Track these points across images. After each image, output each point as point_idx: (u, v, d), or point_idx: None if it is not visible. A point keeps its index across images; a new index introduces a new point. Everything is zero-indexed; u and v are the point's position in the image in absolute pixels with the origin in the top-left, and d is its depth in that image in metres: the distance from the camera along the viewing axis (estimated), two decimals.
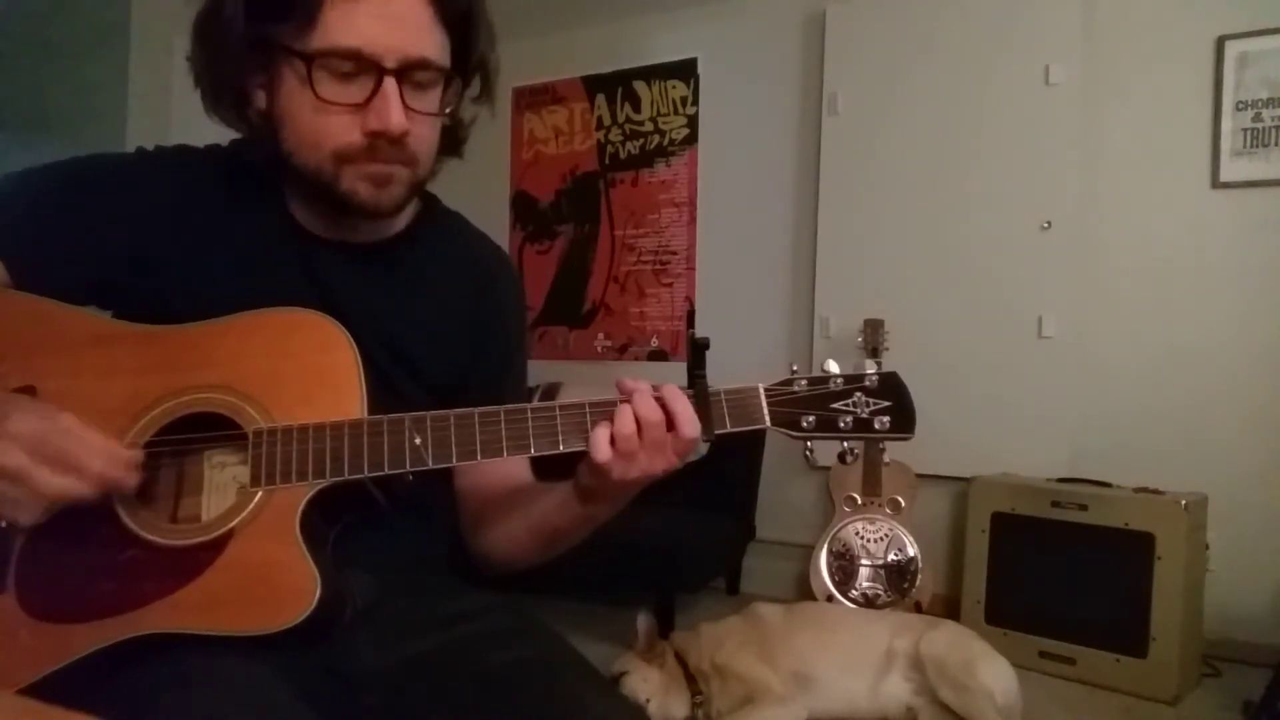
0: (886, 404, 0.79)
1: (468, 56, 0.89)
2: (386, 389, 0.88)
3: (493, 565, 0.98)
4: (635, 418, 0.76)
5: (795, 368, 0.82)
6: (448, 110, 0.89)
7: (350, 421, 0.78)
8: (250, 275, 0.88)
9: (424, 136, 0.85)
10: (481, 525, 0.98)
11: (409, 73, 0.81)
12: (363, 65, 0.79)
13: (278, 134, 0.84)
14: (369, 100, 0.80)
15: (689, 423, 0.77)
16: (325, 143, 0.82)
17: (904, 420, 0.79)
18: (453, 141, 0.95)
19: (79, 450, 0.71)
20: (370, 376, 0.82)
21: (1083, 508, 2.38)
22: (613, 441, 0.76)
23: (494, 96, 0.95)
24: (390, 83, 0.80)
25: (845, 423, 0.79)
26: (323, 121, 0.81)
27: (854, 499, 2.83)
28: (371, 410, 0.79)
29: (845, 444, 0.82)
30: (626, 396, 0.78)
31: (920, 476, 2.81)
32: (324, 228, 0.92)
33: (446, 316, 0.97)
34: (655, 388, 0.79)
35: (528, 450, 0.78)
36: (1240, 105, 2.56)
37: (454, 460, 0.78)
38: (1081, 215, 2.72)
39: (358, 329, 0.85)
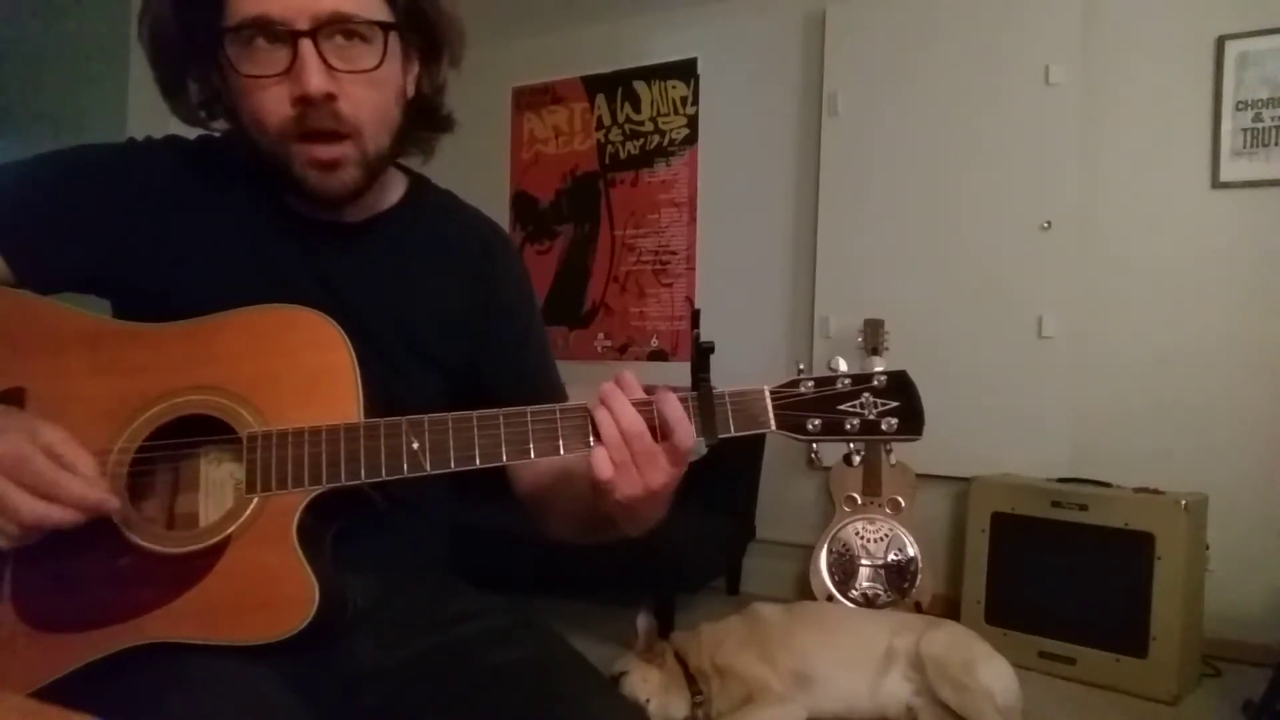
0: (894, 405, 0.76)
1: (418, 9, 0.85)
2: (391, 369, 0.88)
3: (556, 541, 0.98)
4: (619, 429, 0.74)
5: (802, 367, 0.80)
6: (381, 65, 0.81)
7: (346, 426, 0.76)
8: (245, 257, 0.88)
9: (361, 99, 0.81)
10: (538, 508, 0.98)
11: (326, 31, 0.77)
12: (276, 33, 0.77)
13: (244, 128, 0.83)
14: (291, 68, 0.77)
15: (685, 433, 0.74)
16: (265, 121, 0.80)
17: (912, 421, 0.76)
18: (426, 111, 0.92)
19: (58, 475, 0.70)
20: (375, 357, 0.81)
21: (1083, 508, 2.38)
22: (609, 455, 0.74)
23: (453, 53, 0.90)
24: (305, 44, 0.76)
25: (852, 425, 0.76)
26: (257, 100, 0.79)
27: (854, 499, 2.83)
28: (371, 397, 0.78)
29: (851, 446, 0.80)
30: (606, 404, 0.75)
31: (920, 476, 2.81)
32: (314, 208, 0.90)
33: (446, 291, 0.95)
34: (649, 394, 0.76)
35: (528, 455, 0.76)
36: (1240, 105, 2.56)
37: (452, 465, 0.76)
38: (1081, 215, 2.71)
39: (354, 306, 0.83)
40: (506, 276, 1.01)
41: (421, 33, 0.87)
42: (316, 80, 0.77)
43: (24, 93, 3.32)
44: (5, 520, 0.70)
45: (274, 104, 0.79)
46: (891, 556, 2.75)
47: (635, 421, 0.74)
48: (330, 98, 0.78)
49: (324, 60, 0.77)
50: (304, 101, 0.78)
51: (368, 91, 0.81)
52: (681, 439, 0.74)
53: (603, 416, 0.74)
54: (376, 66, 0.81)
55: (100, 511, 0.72)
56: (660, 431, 0.75)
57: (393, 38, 0.82)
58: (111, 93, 3.08)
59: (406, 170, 1.00)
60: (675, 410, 0.74)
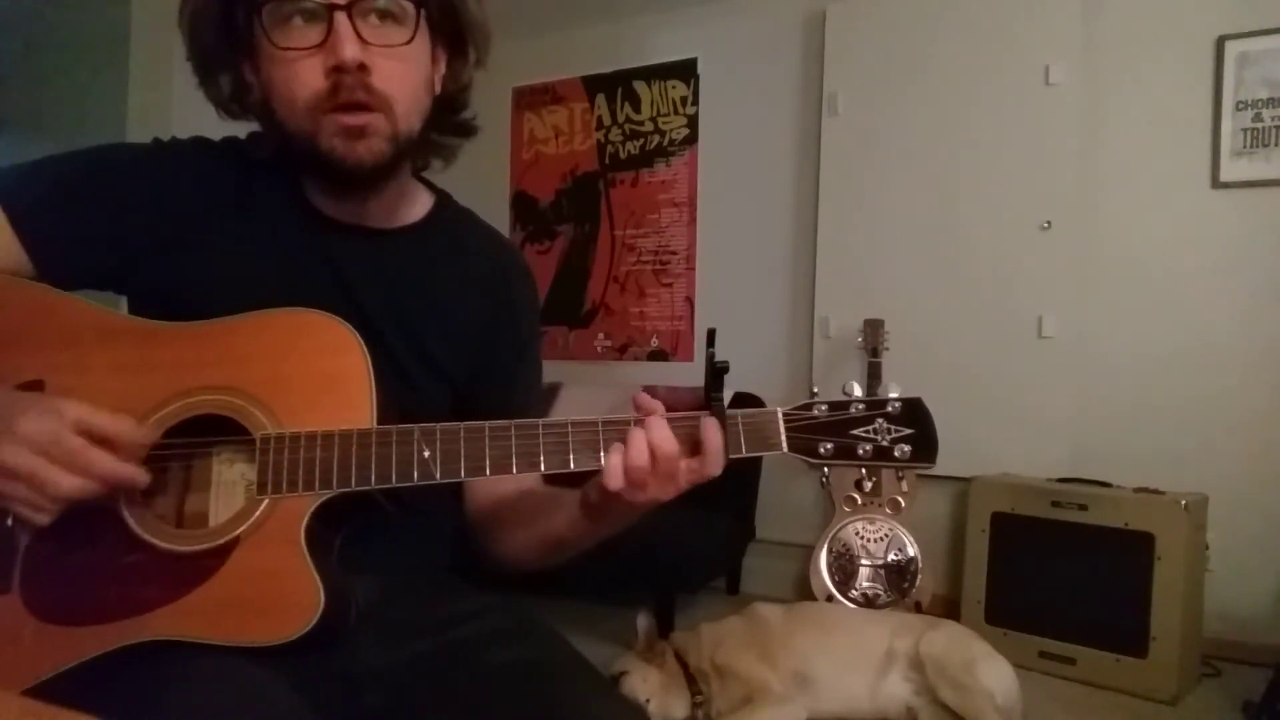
0: (908, 431, 0.77)
1: None
2: (401, 376, 0.89)
3: (502, 567, 0.98)
4: (649, 447, 0.74)
5: (816, 390, 0.81)
6: (410, 40, 0.84)
7: (359, 431, 0.77)
8: (265, 258, 0.88)
9: (392, 73, 0.82)
10: (491, 530, 0.98)
11: (361, 7, 0.80)
12: (313, 8, 0.79)
13: (273, 111, 0.84)
14: (326, 40, 0.79)
15: (716, 462, 0.76)
16: (297, 95, 0.81)
17: (926, 449, 0.77)
18: (451, 109, 0.94)
19: (88, 450, 0.71)
20: (386, 363, 0.81)
21: (1083, 508, 2.38)
22: (625, 470, 0.75)
23: (478, 52, 0.93)
24: (340, 16, 0.78)
25: (864, 450, 0.77)
26: (290, 73, 0.81)
27: (854, 499, 2.83)
28: (384, 403, 0.79)
29: (863, 470, 0.81)
30: (641, 421, 0.75)
31: (920, 476, 2.81)
32: (339, 211, 0.91)
33: (461, 307, 0.96)
34: (686, 416, 0.77)
35: (537, 468, 0.76)
36: (1240, 105, 2.56)
37: (462, 475, 0.76)
38: (1081, 215, 2.72)
39: (372, 313, 0.84)
40: (518, 301, 1.03)
41: (450, 25, 0.90)
42: (351, 49, 0.78)
43: (24, 93, 3.32)
44: (40, 496, 0.70)
45: (307, 75, 0.80)
46: (891, 556, 2.75)
47: (668, 442, 0.75)
48: (363, 68, 0.80)
49: (358, 34, 0.79)
50: (338, 70, 0.79)
51: (399, 66, 0.83)
52: (711, 468, 0.76)
53: (636, 436, 0.75)
54: (408, 41, 0.83)
55: (132, 486, 0.73)
56: (690, 451, 0.76)
57: (423, 19, 0.84)
58: (111, 93, 3.08)
59: (431, 186, 1.01)
60: (716, 441, 0.75)
